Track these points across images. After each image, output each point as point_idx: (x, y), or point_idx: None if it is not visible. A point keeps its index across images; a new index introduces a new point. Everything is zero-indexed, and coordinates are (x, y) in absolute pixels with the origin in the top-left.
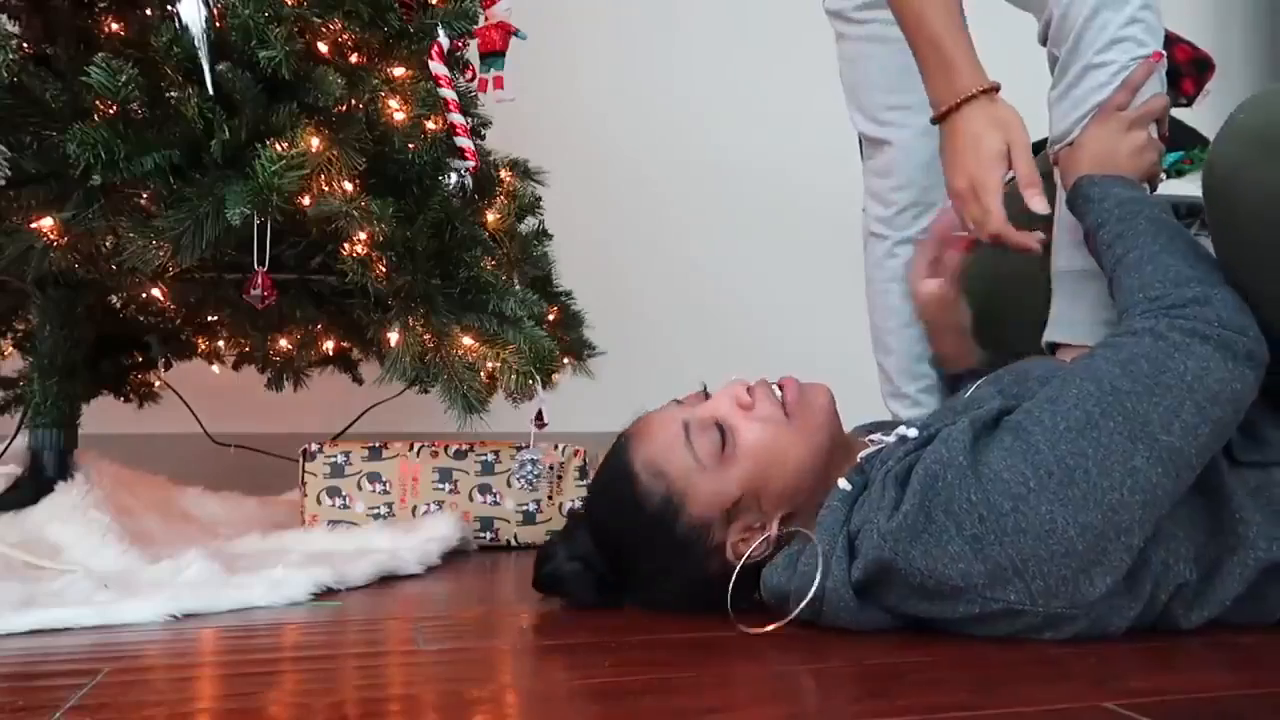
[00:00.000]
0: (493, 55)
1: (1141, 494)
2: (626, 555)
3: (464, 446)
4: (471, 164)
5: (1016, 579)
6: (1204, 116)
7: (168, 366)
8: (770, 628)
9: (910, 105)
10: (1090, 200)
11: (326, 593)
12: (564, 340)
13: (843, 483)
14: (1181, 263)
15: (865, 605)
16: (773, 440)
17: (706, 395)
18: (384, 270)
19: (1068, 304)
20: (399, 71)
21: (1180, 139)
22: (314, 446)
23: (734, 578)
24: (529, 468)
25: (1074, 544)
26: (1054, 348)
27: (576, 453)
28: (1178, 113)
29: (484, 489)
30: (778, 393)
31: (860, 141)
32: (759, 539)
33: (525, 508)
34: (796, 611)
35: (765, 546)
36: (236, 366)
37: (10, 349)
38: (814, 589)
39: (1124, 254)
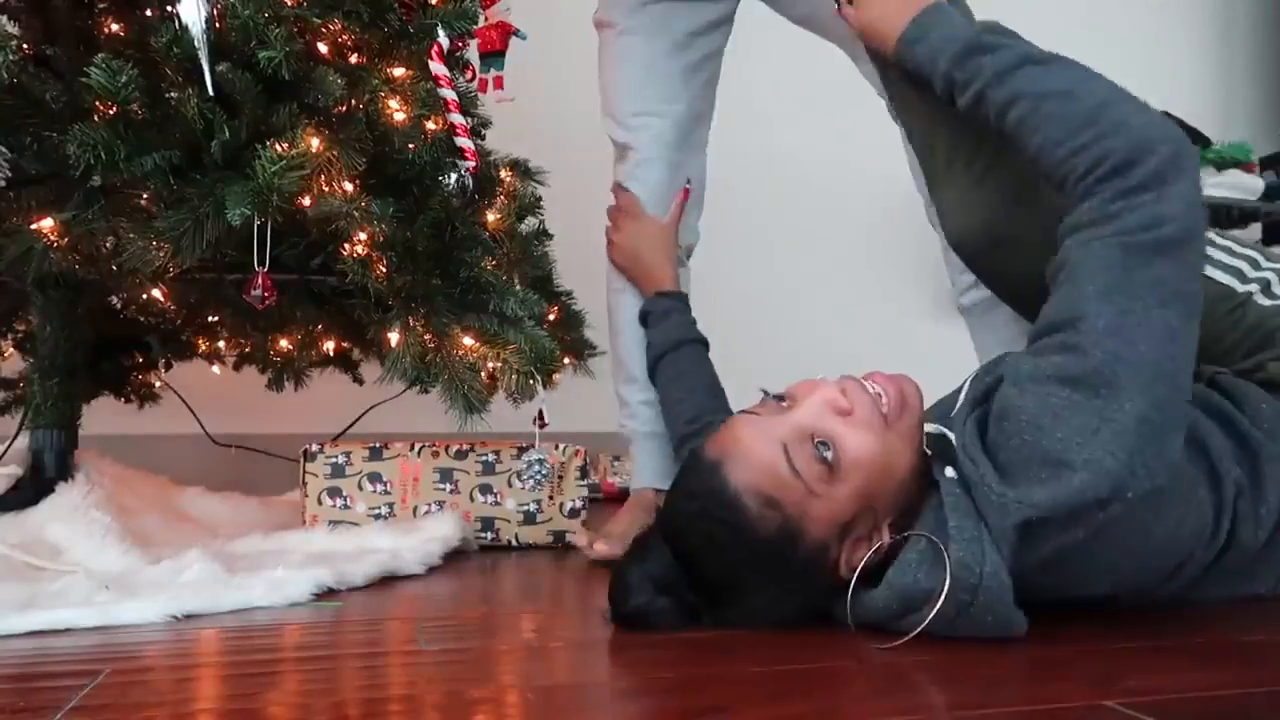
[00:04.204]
0: (493, 55)
1: (1180, 344)
2: (736, 586)
3: (465, 447)
4: (472, 164)
5: (1107, 457)
6: (1208, 122)
7: (168, 367)
8: (900, 641)
9: (650, 111)
10: (918, 59)
11: (327, 593)
12: (564, 340)
13: (950, 471)
14: (1059, 110)
15: (1009, 607)
16: (880, 447)
17: (779, 400)
18: (384, 270)
19: (983, 336)
20: (399, 71)
21: None
22: (314, 447)
23: (851, 588)
24: (536, 468)
25: (1140, 407)
26: None
27: (577, 453)
28: (1178, 112)
29: (485, 489)
30: (870, 388)
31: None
32: (870, 549)
33: (526, 508)
34: (934, 611)
35: (876, 555)
36: (237, 367)
37: (10, 350)
38: (979, 576)
39: (1004, 109)
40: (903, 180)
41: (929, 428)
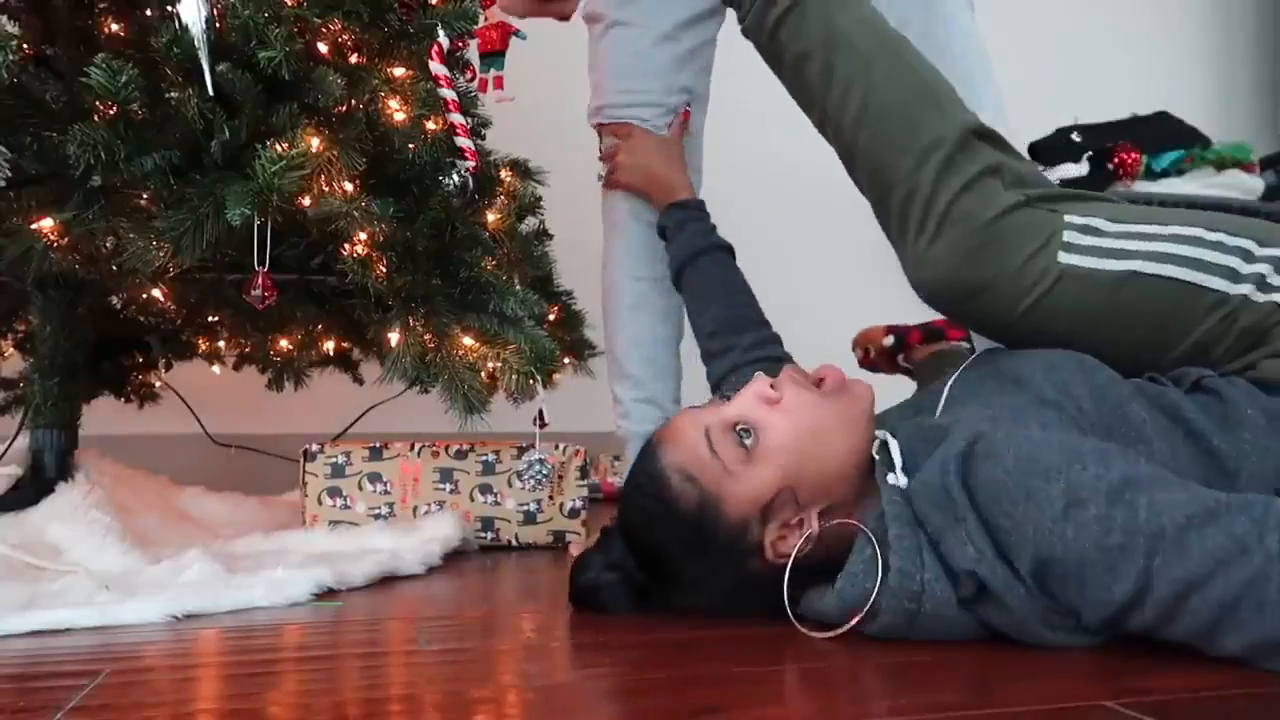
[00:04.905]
0: (493, 55)
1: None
2: (666, 562)
3: (465, 446)
4: (472, 164)
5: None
6: (1208, 122)
7: (168, 367)
8: (837, 631)
9: (641, 102)
10: None
11: (327, 593)
12: (564, 340)
13: (893, 478)
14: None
15: (961, 612)
16: (804, 430)
17: (725, 399)
18: (384, 270)
19: None
20: (399, 71)
21: (1181, 138)
22: (314, 447)
23: (786, 577)
24: (536, 468)
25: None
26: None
27: (577, 453)
28: (1178, 112)
29: (485, 489)
30: (807, 377)
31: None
32: (798, 536)
33: (526, 508)
34: (867, 620)
35: (807, 544)
36: (237, 367)
37: (11, 349)
38: (917, 587)
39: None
40: None
41: (877, 433)
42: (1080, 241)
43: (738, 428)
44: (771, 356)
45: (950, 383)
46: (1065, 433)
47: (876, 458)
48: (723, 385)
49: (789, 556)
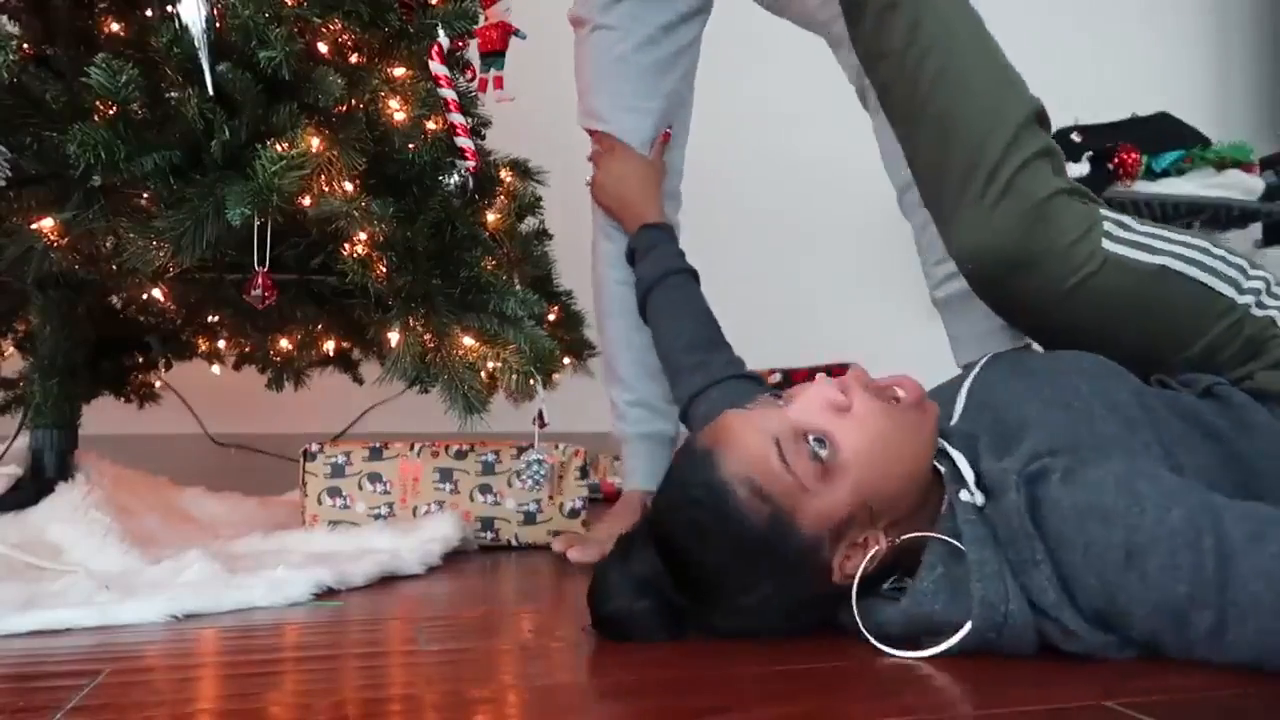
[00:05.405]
0: (493, 55)
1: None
2: (723, 582)
3: (464, 446)
4: (471, 164)
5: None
6: (1208, 122)
7: (168, 367)
8: (927, 653)
9: (626, 107)
10: None
11: (327, 593)
12: (564, 340)
13: (966, 495)
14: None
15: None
16: (877, 440)
17: (776, 397)
18: (384, 270)
19: (959, 329)
20: (399, 71)
21: (1181, 138)
22: (314, 447)
23: (855, 594)
24: (535, 468)
25: None
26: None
27: (577, 453)
28: (1178, 113)
29: (485, 489)
30: (878, 380)
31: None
32: (865, 555)
33: (526, 508)
34: (954, 643)
35: (872, 563)
36: (237, 367)
37: (11, 349)
38: (1004, 615)
39: None
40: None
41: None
42: (1118, 233)
43: (810, 438)
44: (747, 374)
45: (968, 383)
46: (1125, 460)
47: (941, 469)
48: (698, 400)
49: (854, 577)
